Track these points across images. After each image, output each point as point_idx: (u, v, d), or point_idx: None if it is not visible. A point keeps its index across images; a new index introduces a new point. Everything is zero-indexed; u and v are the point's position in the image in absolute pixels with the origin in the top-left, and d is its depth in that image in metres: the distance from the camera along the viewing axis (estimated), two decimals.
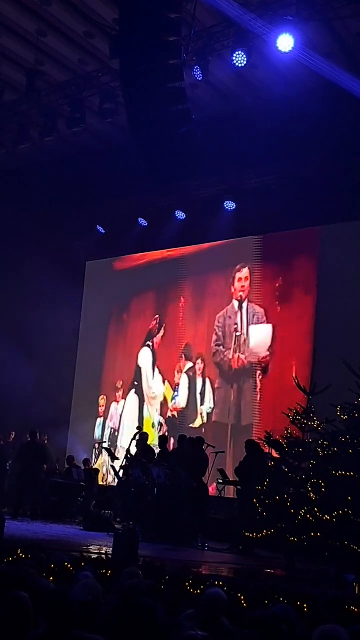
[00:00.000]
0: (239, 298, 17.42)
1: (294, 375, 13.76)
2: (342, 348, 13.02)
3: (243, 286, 17.41)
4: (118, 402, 19.72)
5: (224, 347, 17.46)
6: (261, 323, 16.85)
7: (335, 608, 5.94)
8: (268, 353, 16.52)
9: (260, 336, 16.79)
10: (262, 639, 3.94)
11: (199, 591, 6.23)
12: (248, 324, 17.12)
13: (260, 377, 16.58)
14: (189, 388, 18.03)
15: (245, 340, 17.05)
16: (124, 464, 14.78)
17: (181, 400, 18.10)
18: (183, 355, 18.38)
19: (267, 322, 16.74)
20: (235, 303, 17.49)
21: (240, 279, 17.52)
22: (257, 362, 16.67)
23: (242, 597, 6.15)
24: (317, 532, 9.48)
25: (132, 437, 15.16)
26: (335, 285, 15.42)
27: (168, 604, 5.59)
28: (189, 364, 18.17)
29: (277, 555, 10.75)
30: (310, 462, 10.30)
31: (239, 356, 17.08)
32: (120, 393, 19.71)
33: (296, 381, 11.23)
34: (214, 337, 17.71)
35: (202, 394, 17.70)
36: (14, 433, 17.93)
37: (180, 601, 5.89)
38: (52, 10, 14.10)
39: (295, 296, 16.48)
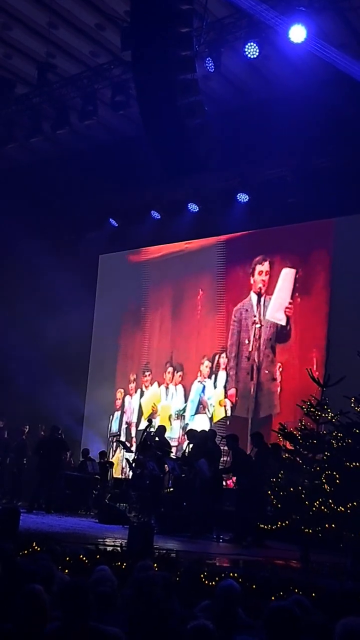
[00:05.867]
0: (258, 291, 17.39)
1: (314, 366, 13.75)
2: (356, 339, 12.95)
3: (263, 280, 17.36)
4: (132, 395, 19.75)
5: (242, 340, 17.43)
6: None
7: (351, 600, 5.93)
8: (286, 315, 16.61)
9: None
10: (276, 629, 3.93)
11: (213, 583, 6.24)
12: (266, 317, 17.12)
13: (280, 369, 16.56)
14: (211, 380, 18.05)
15: (263, 333, 17.03)
16: (134, 457, 14.85)
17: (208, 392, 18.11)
18: (201, 348, 18.41)
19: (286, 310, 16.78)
20: (254, 295, 17.45)
21: (260, 272, 17.46)
22: (276, 333, 16.69)
23: (257, 589, 6.15)
24: (332, 524, 9.46)
25: (143, 429, 15.15)
26: (350, 277, 15.37)
27: (183, 595, 5.61)
28: (208, 357, 18.17)
29: (291, 547, 10.74)
30: (325, 454, 10.27)
31: (257, 348, 17.04)
32: (133, 385, 19.74)
33: (310, 373, 11.20)
34: (232, 330, 17.67)
35: (224, 387, 17.70)
36: (27, 427, 17.96)
37: (195, 593, 5.90)
38: (63, 2, 14.08)
39: (310, 288, 16.44)
